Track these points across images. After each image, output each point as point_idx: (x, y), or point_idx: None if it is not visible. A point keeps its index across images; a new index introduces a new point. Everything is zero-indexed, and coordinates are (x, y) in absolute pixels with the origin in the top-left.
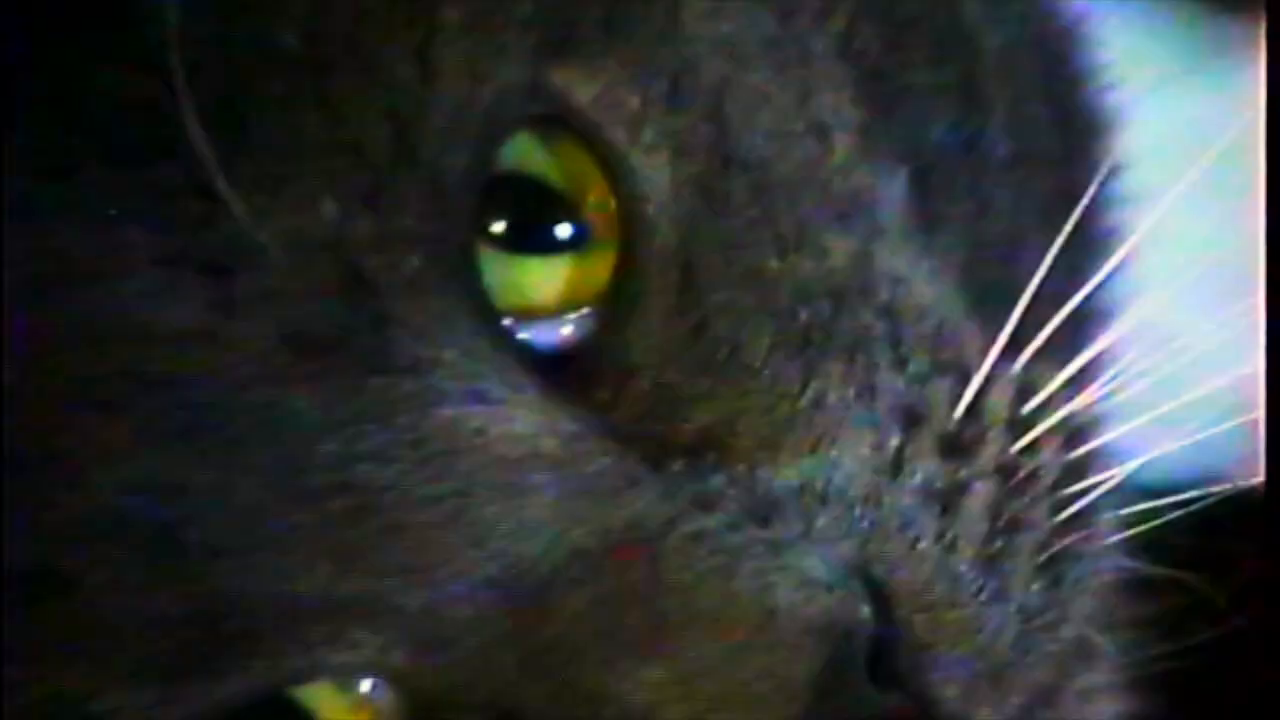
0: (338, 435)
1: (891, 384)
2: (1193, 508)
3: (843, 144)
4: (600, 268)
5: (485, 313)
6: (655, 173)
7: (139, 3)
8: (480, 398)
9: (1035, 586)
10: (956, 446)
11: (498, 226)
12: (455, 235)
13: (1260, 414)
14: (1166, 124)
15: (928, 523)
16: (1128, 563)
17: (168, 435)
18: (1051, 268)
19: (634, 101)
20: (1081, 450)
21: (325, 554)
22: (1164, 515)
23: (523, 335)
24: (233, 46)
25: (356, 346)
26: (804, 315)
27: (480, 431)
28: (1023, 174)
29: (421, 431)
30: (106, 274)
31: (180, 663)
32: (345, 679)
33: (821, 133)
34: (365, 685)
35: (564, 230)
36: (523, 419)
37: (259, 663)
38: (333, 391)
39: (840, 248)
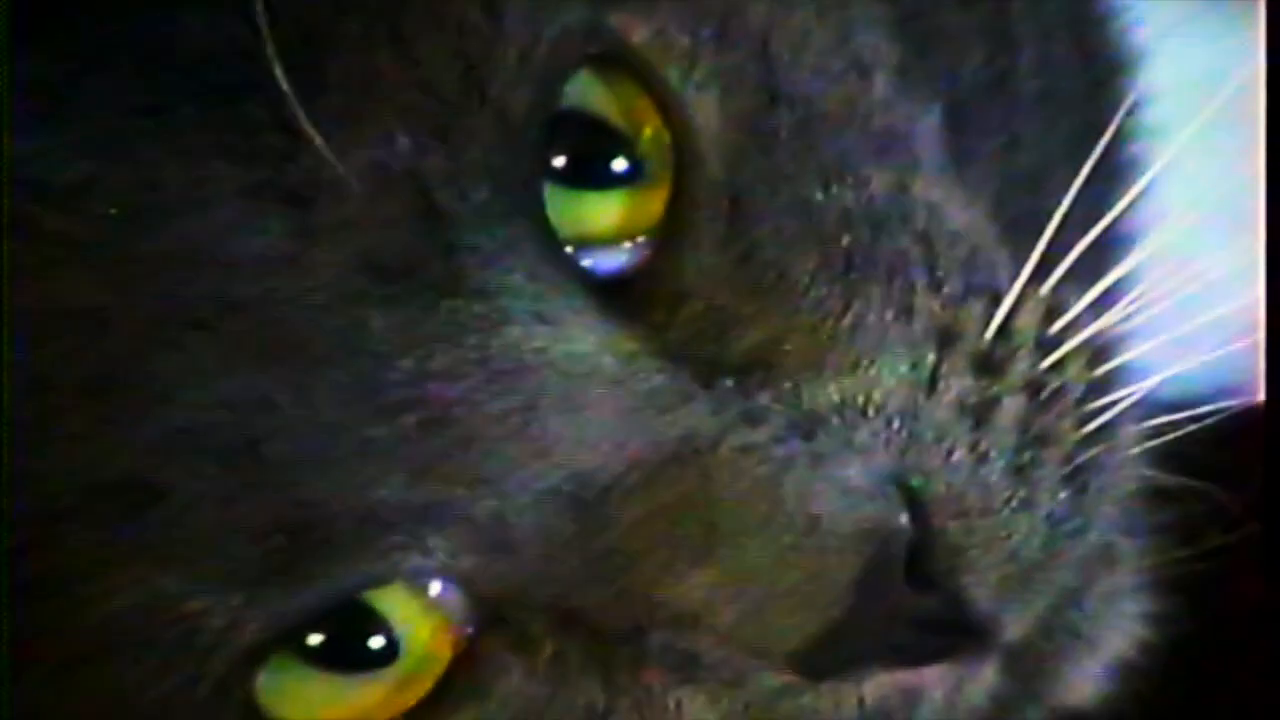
0: (411, 354)
1: (927, 306)
2: (1207, 422)
3: (881, 81)
4: (655, 199)
5: (548, 241)
6: (706, 109)
7: None
8: (543, 319)
9: (1062, 495)
10: (988, 364)
11: (559, 161)
12: (521, 168)
13: (1260, 336)
14: (1185, 62)
15: (961, 435)
16: (1148, 472)
17: (253, 355)
18: (1076, 198)
19: (685, 41)
20: (1104, 368)
21: (399, 465)
22: (1181, 428)
23: (584, 262)
24: None
25: (429, 272)
26: (845, 241)
27: (543, 350)
28: (1050, 109)
29: (489, 350)
30: (196, 204)
31: (265, 568)
32: (418, 582)
33: (861, 70)
34: (436, 588)
35: (620, 165)
36: (583, 339)
37: (338, 567)
38: (406, 314)
39: (879, 178)
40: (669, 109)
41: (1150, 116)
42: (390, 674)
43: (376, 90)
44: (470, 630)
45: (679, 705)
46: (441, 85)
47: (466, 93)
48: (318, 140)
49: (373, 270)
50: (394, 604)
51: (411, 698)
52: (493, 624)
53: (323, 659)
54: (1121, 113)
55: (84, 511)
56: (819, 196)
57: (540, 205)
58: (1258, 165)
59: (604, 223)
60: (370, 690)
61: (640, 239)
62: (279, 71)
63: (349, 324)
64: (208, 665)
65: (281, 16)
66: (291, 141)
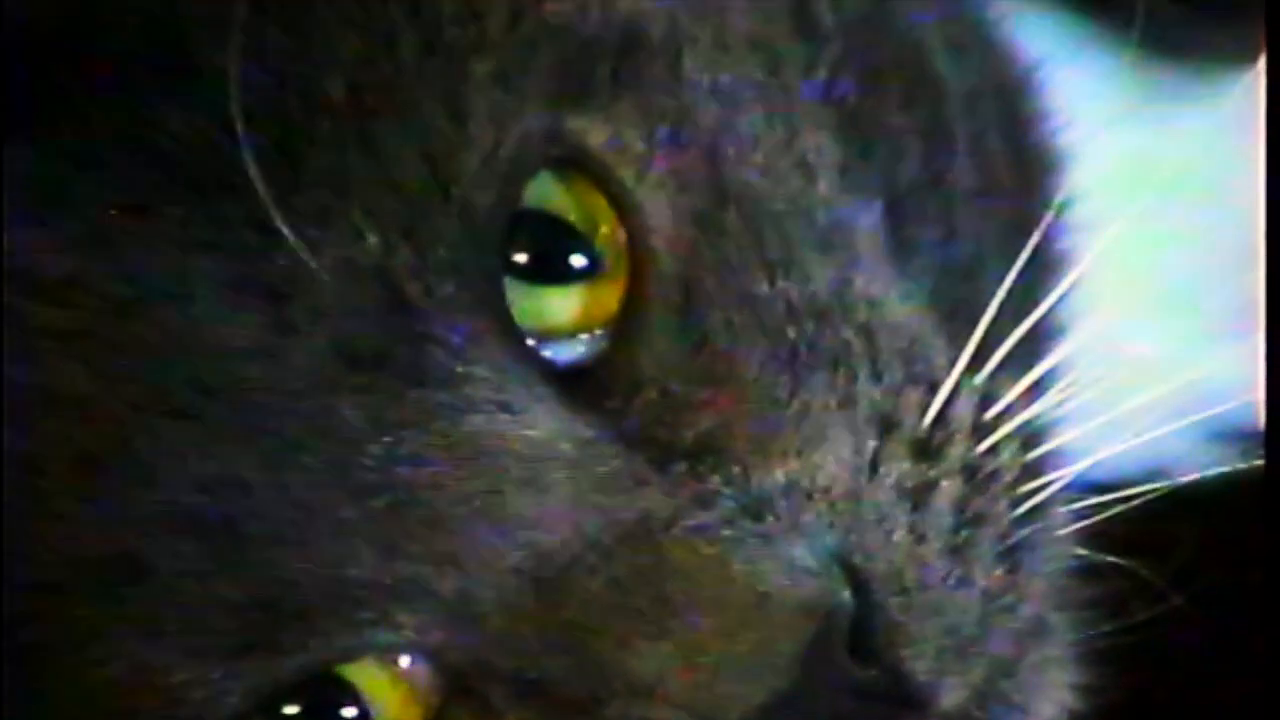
0: (381, 439)
1: (868, 394)
2: (1135, 502)
3: (825, 179)
4: (611, 293)
5: (510, 332)
6: (659, 207)
7: (204, 56)
8: (505, 407)
9: (996, 572)
10: (926, 449)
11: (521, 257)
12: (484, 264)
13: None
14: (1113, 160)
15: (901, 517)
16: (1078, 550)
17: (231, 439)
18: (1010, 289)
19: (639, 145)
20: (1036, 452)
21: (370, 544)
22: (1109, 509)
23: (544, 352)
24: (286, 97)
25: (398, 361)
26: (792, 333)
27: (505, 436)
28: (985, 205)
29: (454, 436)
30: (177, 297)
31: (243, 641)
32: (388, 656)
33: (806, 170)
34: (405, 661)
35: (579, 261)
36: (543, 425)
37: (313, 641)
38: (377, 401)
39: (822, 272)
40: (623, 208)
41: (1079, 212)
42: None
43: (347, 189)
44: (437, 700)
45: None
46: (408, 185)
47: (432, 192)
48: (291, 237)
49: (345, 360)
50: (365, 676)
51: None
52: (458, 694)
53: (290, 708)
54: (1053, 209)
55: (74, 585)
56: (766, 290)
57: (502, 299)
58: (1194, 254)
59: (563, 315)
60: None
61: (597, 331)
62: (254, 171)
63: (322, 410)
64: None
65: (258, 119)
66: (267, 238)
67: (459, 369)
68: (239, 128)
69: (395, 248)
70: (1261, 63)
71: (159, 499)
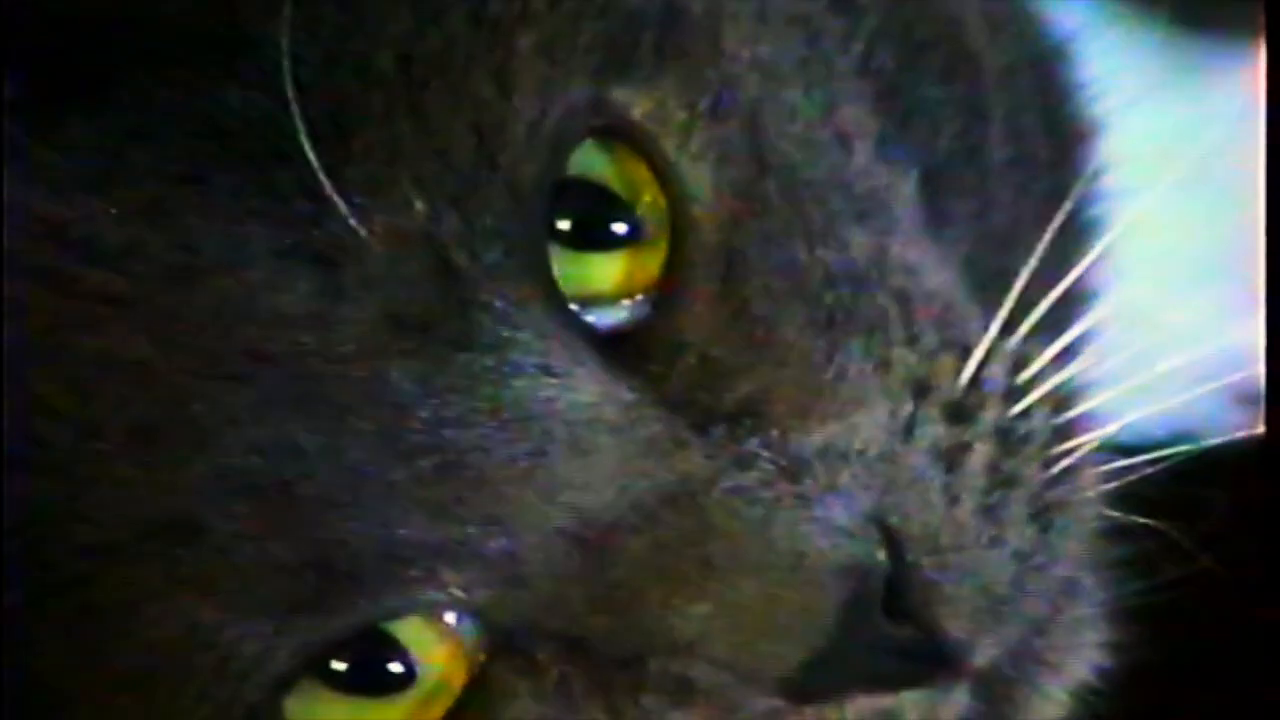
0: (429, 403)
1: (904, 359)
2: (1164, 464)
3: (862, 150)
4: (653, 259)
5: (555, 298)
6: (700, 177)
7: (258, 30)
8: (550, 371)
9: (1028, 533)
10: (960, 413)
11: (564, 224)
12: (529, 231)
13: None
14: (1144, 132)
15: (935, 478)
16: (1108, 512)
17: (284, 404)
18: (1043, 257)
19: (682, 115)
20: (1067, 416)
21: (418, 506)
22: (1139, 471)
23: (587, 318)
24: (337, 69)
25: (445, 327)
26: (829, 299)
27: (550, 400)
28: (1019, 176)
29: (500, 400)
30: (231, 265)
31: (294, 600)
32: (434, 613)
33: (844, 141)
34: (450, 619)
35: (620, 228)
36: (586, 389)
37: (362, 600)
38: (424, 366)
39: (859, 240)
40: (666, 177)
41: (1111, 182)
42: (408, 698)
43: (397, 160)
44: (482, 657)
45: None
46: (456, 155)
47: (479, 162)
48: (342, 207)
49: (394, 325)
50: (412, 633)
51: (426, 711)
52: (503, 651)
53: (346, 684)
54: (1084, 179)
55: (132, 547)
56: (804, 257)
57: (547, 265)
58: (1222, 224)
59: (606, 281)
60: (389, 713)
61: (639, 296)
62: (306, 143)
63: (372, 375)
64: (242, 690)
65: (309, 91)
66: (319, 207)
67: (504, 334)
68: (292, 100)
69: (443, 216)
70: (1261, 62)
71: (214, 462)
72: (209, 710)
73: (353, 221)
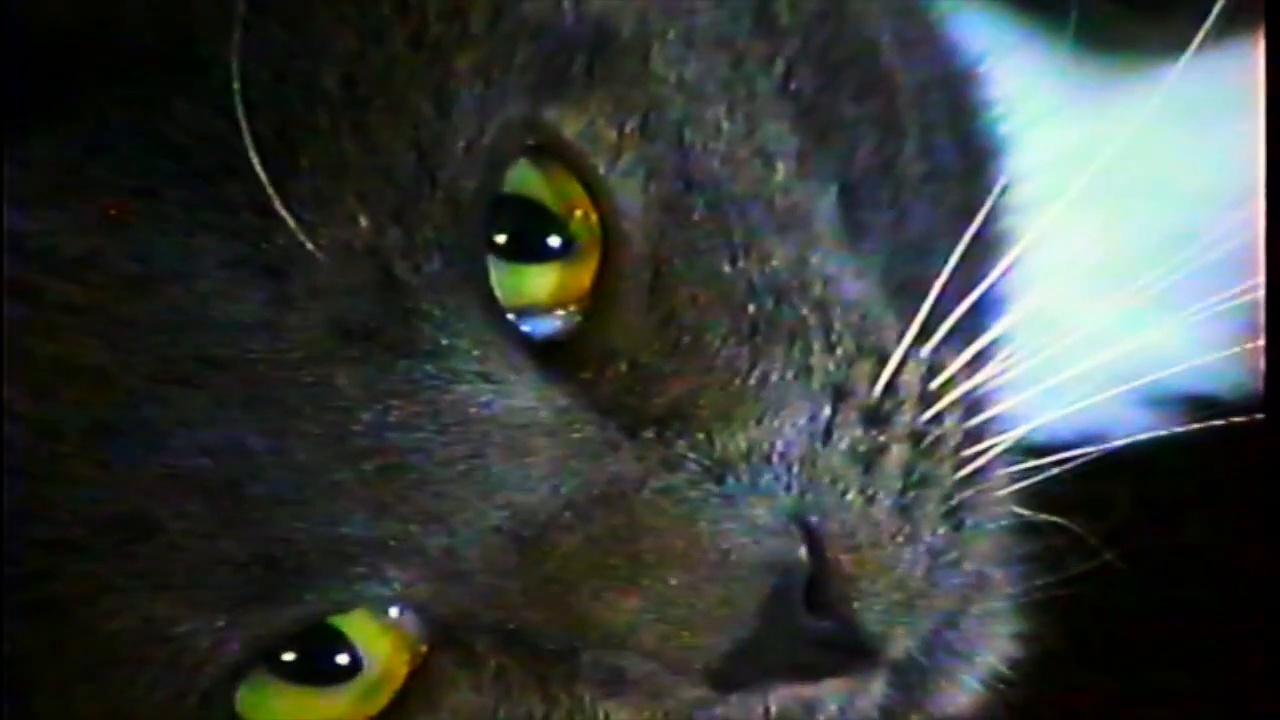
0: (372, 408)
1: (823, 365)
2: (1071, 464)
3: (782, 166)
4: (585, 272)
5: (492, 308)
6: (629, 193)
7: (208, 51)
8: (487, 377)
9: (941, 531)
10: (876, 417)
11: (501, 238)
12: (468, 244)
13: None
14: (1049, 147)
15: (853, 479)
16: (1018, 510)
17: (234, 406)
18: (955, 267)
19: (612, 135)
20: (979, 419)
21: (362, 505)
22: (1047, 471)
23: (523, 327)
24: (284, 88)
25: (389, 335)
26: (752, 309)
27: (487, 405)
28: (932, 189)
29: (440, 404)
30: (183, 275)
31: (245, 594)
32: (378, 607)
33: (765, 158)
34: (394, 612)
35: (555, 241)
36: (522, 395)
37: (309, 594)
38: (369, 371)
39: (780, 252)
40: (596, 193)
41: (1020, 196)
42: (353, 687)
43: (342, 175)
44: (424, 648)
45: (607, 716)
46: (398, 171)
47: (420, 178)
48: (290, 221)
49: (339, 333)
50: (357, 626)
51: (373, 708)
52: (444, 643)
53: (294, 674)
54: (995, 192)
55: (88, 542)
56: (728, 269)
57: (485, 276)
58: (1126, 233)
59: (540, 292)
60: (336, 701)
61: (572, 307)
62: (255, 159)
63: (318, 380)
64: (195, 680)
65: (258, 109)
66: (267, 220)
67: (444, 341)
68: (241, 117)
69: (386, 229)
70: (1261, 60)
71: (166, 463)
72: (164, 699)
73: (300, 235)
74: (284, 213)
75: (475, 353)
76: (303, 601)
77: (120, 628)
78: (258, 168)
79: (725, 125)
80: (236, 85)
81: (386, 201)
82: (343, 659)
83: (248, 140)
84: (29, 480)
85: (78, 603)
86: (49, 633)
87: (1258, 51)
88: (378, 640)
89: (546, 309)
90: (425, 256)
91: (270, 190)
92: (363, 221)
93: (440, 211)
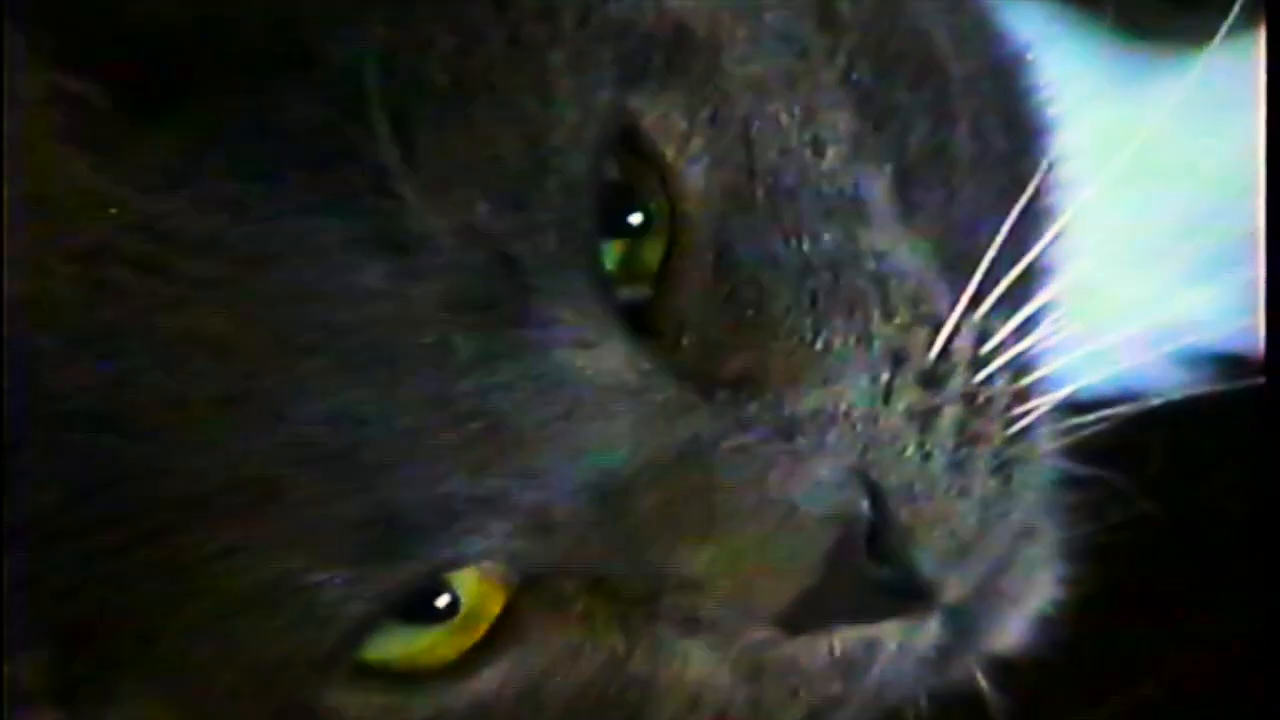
0: (479, 373)
1: (882, 333)
2: (1112, 421)
3: (833, 154)
4: (657, 248)
5: (599, 280)
6: (696, 181)
7: (322, 50)
8: (585, 344)
9: (991, 484)
10: (932, 379)
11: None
12: (580, 223)
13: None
14: (1092, 129)
15: (910, 437)
16: (1062, 464)
17: (350, 375)
18: (1004, 241)
19: (683, 126)
20: (1026, 380)
21: (466, 465)
22: (1090, 427)
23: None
24: (399, 85)
25: (502, 307)
26: (810, 284)
27: (582, 369)
28: (982, 170)
29: (541, 369)
30: (306, 253)
31: (367, 552)
32: (480, 561)
33: (817, 147)
34: (490, 561)
35: (636, 218)
36: (612, 360)
37: (423, 551)
38: (479, 340)
39: (829, 233)
40: (666, 179)
41: (1064, 174)
42: (451, 625)
43: (458, 165)
44: (516, 591)
45: (685, 654)
46: (510, 160)
47: (533, 166)
48: (415, 205)
49: (455, 305)
50: (462, 579)
51: (467, 642)
52: (535, 586)
53: (402, 614)
54: (1041, 170)
55: (222, 501)
56: (787, 249)
57: (597, 251)
58: (1165, 208)
59: (621, 266)
60: (436, 638)
61: (645, 282)
62: (385, 148)
63: (431, 349)
64: (325, 631)
65: (372, 103)
66: (390, 202)
67: (551, 312)
68: (375, 113)
69: (503, 213)
70: (1262, 60)
71: (288, 429)
72: (291, 646)
73: (425, 221)
74: (412, 198)
75: (577, 322)
76: (418, 558)
77: (252, 581)
78: (388, 155)
79: (784, 118)
80: (373, 88)
81: (503, 188)
82: (443, 601)
83: (380, 131)
84: (156, 443)
85: (209, 559)
86: (177, 585)
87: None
88: (476, 585)
89: (625, 281)
90: (540, 237)
91: (399, 177)
92: (481, 207)
93: (554, 194)
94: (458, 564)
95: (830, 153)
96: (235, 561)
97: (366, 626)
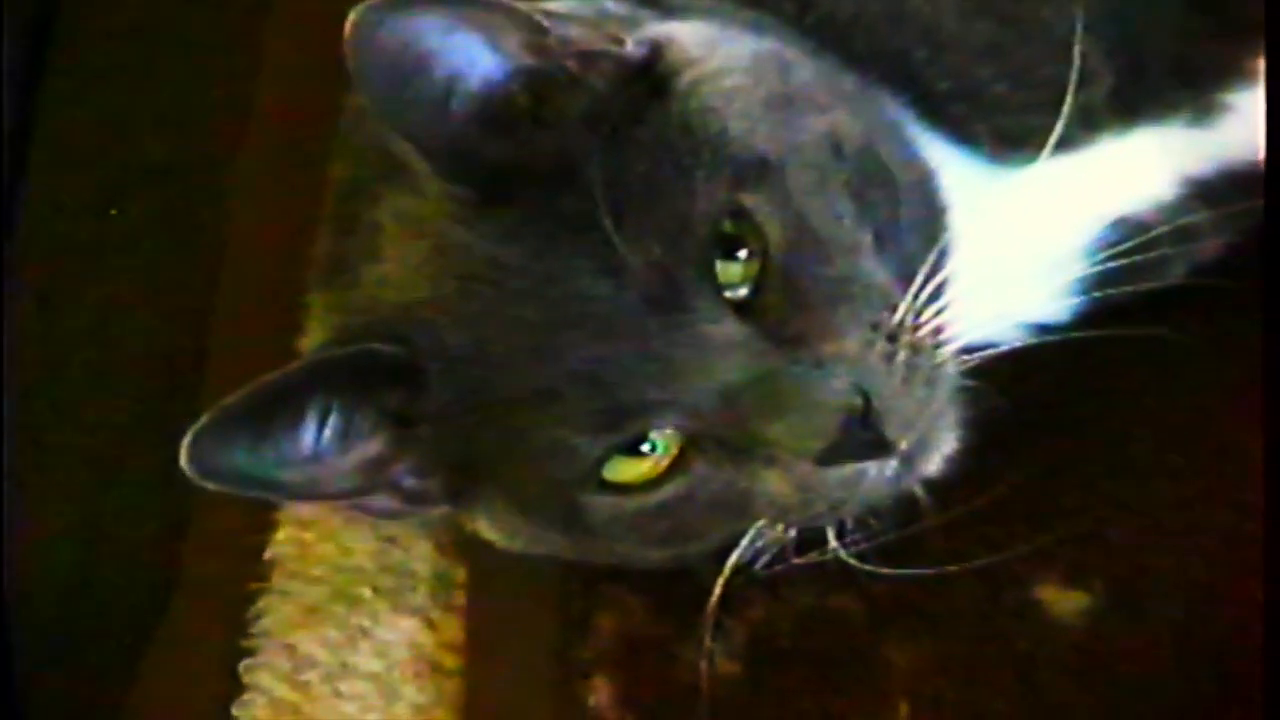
0: (660, 340)
1: (867, 314)
2: (986, 358)
3: (848, 224)
4: (754, 268)
5: (716, 286)
6: (773, 235)
7: (582, 168)
8: (713, 320)
9: (924, 389)
10: (893, 336)
11: (719, 250)
12: (707, 257)
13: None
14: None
15: (883, 366)
16: (961, 379)
17: (596, 338)
18: (929, 262)
19: (768, 209)
20: (942, 336)
21: (654, 386)
22: (975, 359)
23: (726, 294)
24: (614, 187)
25: (671, 301)
26: (832, 289)
27: (712, 334)
28: (918, 228)
29: (692, 332)
30: (573, 276)
31: (602, 425)
32: (665, 429)
33: (838, 217)
34: (668, 429)
35: (741, 253)
36: (727, 329)
37: (636, 425)
38: (660, 319)
39: (845, 263)
40: (759, 234)
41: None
42: (649, 459)
43: (644, 227)
44: (681, 443)
45: (765, 478)
46: (670, 224)
47: (684, 228)
48: (623, 251)
49: (645, 300)
50: (655, 433)
51: (659, 469)
52: (689, 443)
53: (626, 452)
54: (937, 212)
55: (524, 401)
56: (822, 272)
57: (713, 271)
58: None
59: (735, 277)
60: (644, 466)
61: (745, 286)
62: (607, 221)
63: (634, 326)
64: (576, 463)
65: (604, 196)
66: (611, 250)
67: (694, 303)
68: (596, 186)
69: (668, 252)
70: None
71: (565, 366)
72: (562, 475)
73: (628, 257)
74: (620, 245)
75: (708, 310)
76: (635, 428)
77: (546, 440)
78: (603, 212)
79: (819, 201)
80: (600, 192)
81: (667, 239)
82: (647, 448)
83: (603, 209)
84: (501, 374)
85: (525, 430)
86: (501, 442)
87: None
88: (664, 439)
89: (735, 286)
90: (687, 265)
91: (610, 227)
92: (656, 250)
93: (694, 242)
94: (655, 429)
95: (846, 223)
96: (535, 435)
97: (604, 459)
